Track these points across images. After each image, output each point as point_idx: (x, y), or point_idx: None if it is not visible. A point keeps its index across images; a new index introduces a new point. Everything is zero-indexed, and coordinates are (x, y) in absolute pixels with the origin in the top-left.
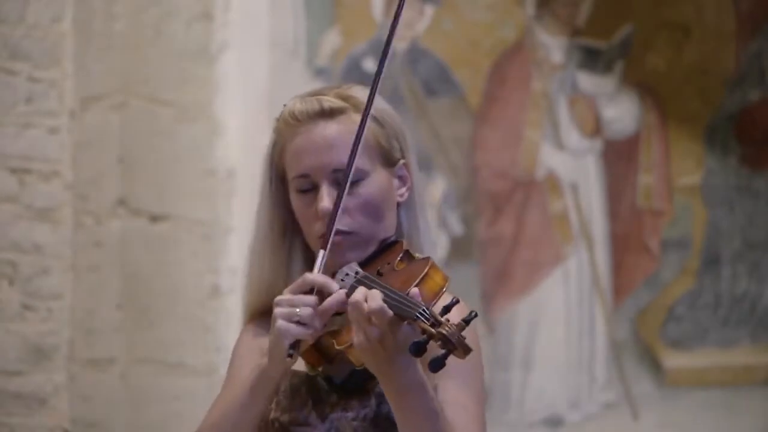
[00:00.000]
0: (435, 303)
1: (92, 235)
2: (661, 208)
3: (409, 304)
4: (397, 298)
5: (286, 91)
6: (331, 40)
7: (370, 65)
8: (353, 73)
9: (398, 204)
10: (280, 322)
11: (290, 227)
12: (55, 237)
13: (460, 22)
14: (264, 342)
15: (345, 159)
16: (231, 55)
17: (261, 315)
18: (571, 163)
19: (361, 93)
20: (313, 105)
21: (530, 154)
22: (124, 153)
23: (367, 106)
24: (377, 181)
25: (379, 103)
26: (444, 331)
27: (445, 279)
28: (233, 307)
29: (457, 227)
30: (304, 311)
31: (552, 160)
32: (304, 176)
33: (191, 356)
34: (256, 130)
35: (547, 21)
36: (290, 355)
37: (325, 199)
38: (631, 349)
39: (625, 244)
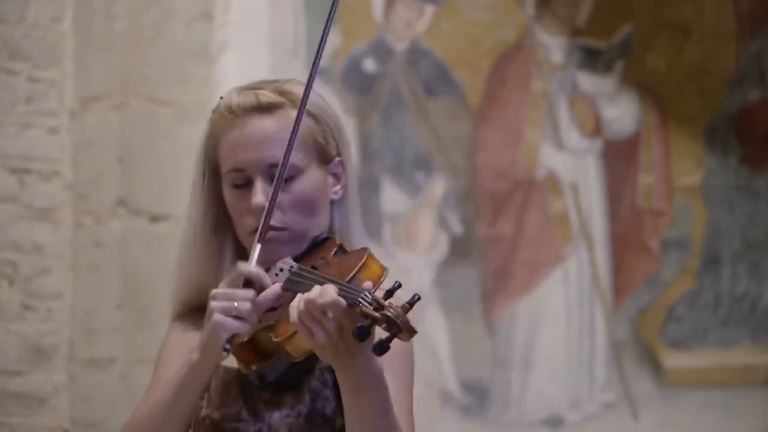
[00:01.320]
0: (375, 290)
1: (92, 235)
2: (661, 208)
3: (350, 289)
4: (339, 285)
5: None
6: (331, 40)
7: (370, 65)
8: (353, 73)
9: (332, 201)
10: (217, 316)
11: (222, 222)
12: (55, 237)
13: (460, 22)
14: (193, 339)
15: (280, 154)
16: (231, 55)
17: (189, 312)
18: (571, 163)
19: (298, 88)
20: (249, 99)
21: (530, 154)
22: (124, 153)
23: (302, 101)
24: (311, 177)
25: (316, 100)
26: (388, 314)
27: (383, 268)
28: None
29: (457, 227)
30: (243, 305)
31: (552, 160)
32: (238, 170)
33: None
34: None
35: (547, 21)
36: (226, 350)
37: (259, 194)
38: (631, 349)
39: (625, 244)
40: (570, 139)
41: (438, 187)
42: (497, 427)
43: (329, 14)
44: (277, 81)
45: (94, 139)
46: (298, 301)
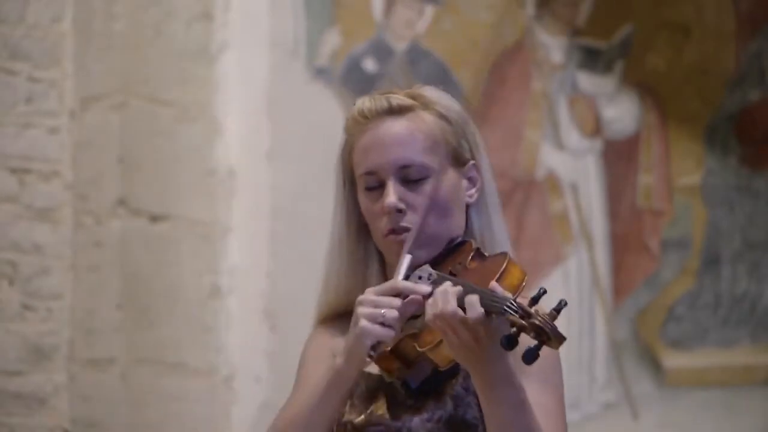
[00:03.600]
0: (517, 296)
1: (92, 235)
2: (661, 208)
3: (495, 298)
4: (482, 295)
5: (285, 91)
6: (331, 40)
7: (370, 65)
8: (353, 73)
9: (468, 205)
10: (364, 323)
11: (365, 228)
12: (55, 237)
13: (460, 22)
14: (335, 345)
15: (412, 155)
16: (231, 55)
17: (332, 318)
18: (571, 163)
19: (431, 93)
20: (381, 102)
21: (530, 154)
22: (124, 153)
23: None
24: (444, 179)
25: (450, 103)
26: (537, 322)
27: (524, 273)
28: (233, 307)
29: None
30: (390, 313)
31: (552, 160)
32: (370, 173)
33: (191, 356)
34: (256, 130)
35: (547, 21)
36: (370, 356)
37: (392, 195)
38: (631, 349)
39: (625, 244)
40: (570, 139)
41: None
42: None
43: None
44: (410, 86)
45: (94, 139)
46: (432, 305)
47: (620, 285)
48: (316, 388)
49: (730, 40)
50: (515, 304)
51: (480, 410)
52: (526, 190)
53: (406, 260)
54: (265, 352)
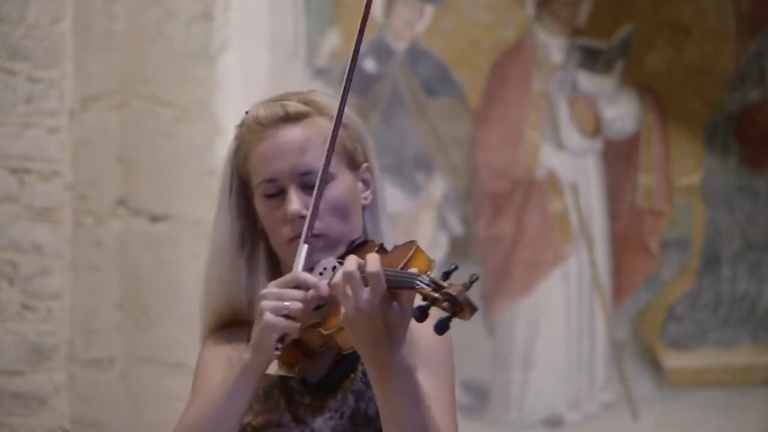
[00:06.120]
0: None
1: (92, 235)
2: (661, 208)
3: (407, 274)
4: (392, 272)
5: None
6: (331, 40)
7: (370, 65)
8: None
9: (363, 207)
10: (269, 316)
11: (249, 236)
12: (55, 237)
13: (460, 22)
14: (230, 352)
15: (311, 161)
16: (231, 55)
17: (221, 327)
18: (571, 163)
19: (322, 98)
20: (277, 110)
21: (530, 154)
22: (124, 153)
23: (340, 107)
24: (343, 183)
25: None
26: (450, 291)
27: (431, 260)
28: None
29: (457, 227)
30: (294, 305)
31: (552, 160)
32: (270, 180)
33: (191, 356)
34: None
35: (547, 21)
36: (278, 349)
37: (294, 201)
38: (631, 349)
39: (625, 244)
40: (570, 139)
41: (438, 187)
42: (497, 427)
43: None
44: (300, 93)
45: (94, 139)
46: (338, 278)
47: (620, 285)
48: (222, 388)
49: (730, 40)
50: (427, 277)
51: None
52: (526, 190)
53: (304, 250)
54: None
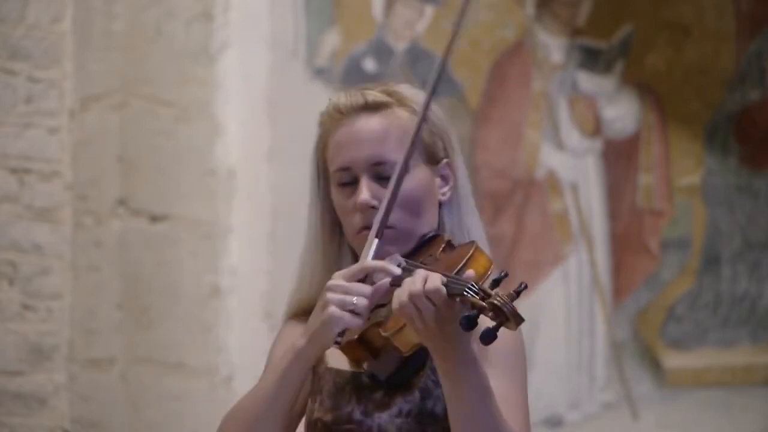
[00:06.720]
0: (483, 282)
1: (92, 235)
2: (661, 208)
3: (457, 281)
4: (446, 278)
5: (285, 90)
6: (331, 40)
7: (370, 65)
8: (353, 73)
9: (441, 203)
10: (333, 309)
11: (339, 225)
12: (55, 237)
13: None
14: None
15: (386, 152)
16: (231, 55)
17: (302, 314)
18: (571, 163)
19: (406, 90)
20: (357, 98)
21: (530, 154)
22: (124, 153)
23: (427, 101)
24: (418, 177)
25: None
26: (495, 302)
27: (490, 261)
28: (233, 307)
29: None
30: (360, 301)
31: (552, 160)
32: (344, 169)
33: (191, 356)
34: (256, 130)
35: (547, 21)
36: (337, 343)
37: (365, 191)
38: (631, 349)
39: (625, 244)
40: (570, 139)
41: None
42: None
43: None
44: (386, 83)
45: (94, 139)
46: (401, 291)
47: (620, 285)
48: (275, 372)
49: (730, 40)
50: (475, 286)
51: None
52: (526, 190)
53: (374, 244)
54: (265, 352)
